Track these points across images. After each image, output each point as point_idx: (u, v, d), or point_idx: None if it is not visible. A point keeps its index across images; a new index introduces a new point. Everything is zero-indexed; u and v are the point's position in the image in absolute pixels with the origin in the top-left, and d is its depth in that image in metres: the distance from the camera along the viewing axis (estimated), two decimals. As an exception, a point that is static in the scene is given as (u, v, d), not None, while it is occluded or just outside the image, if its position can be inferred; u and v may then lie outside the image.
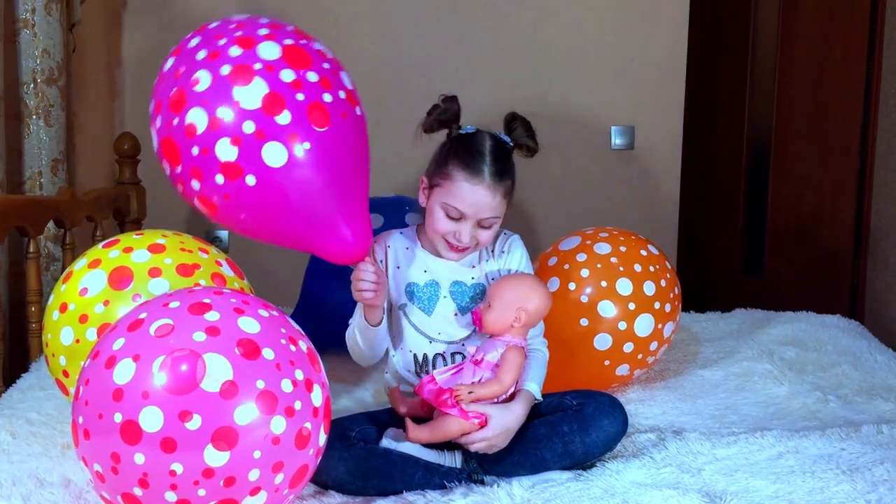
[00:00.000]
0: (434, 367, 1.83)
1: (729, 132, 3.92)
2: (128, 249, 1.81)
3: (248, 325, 1.37)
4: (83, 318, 1.74)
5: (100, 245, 1.88)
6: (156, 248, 1.82)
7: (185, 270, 1.79)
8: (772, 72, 3.72)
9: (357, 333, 1.80)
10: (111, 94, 3.30)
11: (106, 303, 1.74)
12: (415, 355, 1.84)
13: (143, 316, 1.36)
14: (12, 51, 2.50)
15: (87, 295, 1.75)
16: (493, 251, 1.89)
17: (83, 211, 2.48)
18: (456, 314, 1.83)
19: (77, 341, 1.73)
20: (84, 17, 2.82)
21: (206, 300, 1.39)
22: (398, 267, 1.85)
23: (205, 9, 3.29)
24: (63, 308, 1.77)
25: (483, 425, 1.66)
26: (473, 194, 1.73)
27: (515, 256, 1.90)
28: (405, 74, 3.34)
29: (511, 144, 1.79)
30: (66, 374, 1.77)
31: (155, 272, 1.77)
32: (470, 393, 1.66)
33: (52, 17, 2.54)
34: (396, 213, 2.30)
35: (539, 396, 1.78)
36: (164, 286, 1.74)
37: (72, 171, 2.68)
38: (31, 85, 2.53)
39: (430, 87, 3.36)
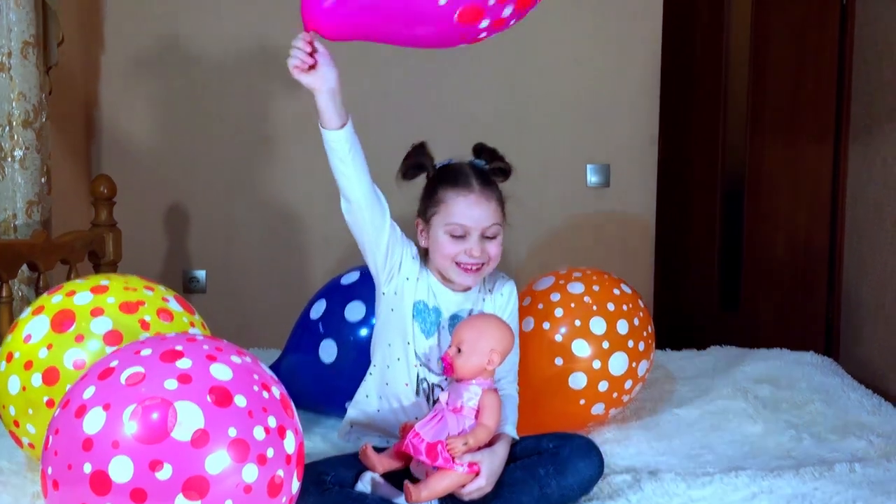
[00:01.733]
0: (417, 391, 1.85)
1: (703, 170, 3.96)
2: (70, 293, 1.81)
3: (221, 371, 1.37)
4: (28, 365, 1.72)
5: (45, 293, 1.87)
6: (99, 290, 1.81)
7: (129, 308, 1.78)
8: (744, 110, 3.78)
9: (328, 151, 1.72)
10: (88, 135, 3.31)
11: (49, 346, 1.72)
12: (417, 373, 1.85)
13: (114, 364, 1.35)
14: (-13, 94, 2.51)
15: (31, 341, 1.74)
16: (490, 290, 1.92)
17: (57, 254, 2.47)
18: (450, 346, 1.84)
19: (24, 388, 1.72)
20: (62, 59, 2.83)
21: (179, 347, 1.38)
22: (407, 279, 1.86)
23: (183, 54, 3.31)
24: (9, 358, 1.76)
25: (478, 473, 1.66)
26: (468, 205, 1.78)
27: (511, 303, 1.94)
28: (383, 116, 3.37)
29: (487, 168, 1.85)
30: (16, 424, 1.76)
31: (97, 311, 1.76)
32: (465, 444, 1.66)
33: (29, 61, 2.55)
34: (340, 296, 2.25)
35: (517, 437, 1.80)
36: (107, 325, 1.74)
37: (47, 213, 2.67)
38: (7, 128, 2.53)
39: (409, 127, 3.40)
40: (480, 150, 1.88)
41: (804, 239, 3.57)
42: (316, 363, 2.15)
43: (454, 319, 1.87)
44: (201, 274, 3.45)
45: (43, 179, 2.64)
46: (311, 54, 1.65)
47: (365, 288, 2.12)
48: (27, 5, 2.54)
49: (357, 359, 2.02)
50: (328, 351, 2.14)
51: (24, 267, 2.41)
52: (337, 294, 2.23)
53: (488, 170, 1.85)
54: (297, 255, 3.47)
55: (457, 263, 1.81)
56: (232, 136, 3.39)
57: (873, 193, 3.08)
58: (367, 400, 1.91)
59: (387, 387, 1.87)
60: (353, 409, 1.94)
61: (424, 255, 1.88)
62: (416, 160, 1.84)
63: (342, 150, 1.70)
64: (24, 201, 2.55)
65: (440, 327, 1.86)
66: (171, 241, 3.43)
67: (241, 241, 3.45)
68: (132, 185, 3.25)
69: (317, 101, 1.69)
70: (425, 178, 1.87)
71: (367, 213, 1.75)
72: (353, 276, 2.26)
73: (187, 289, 3.44)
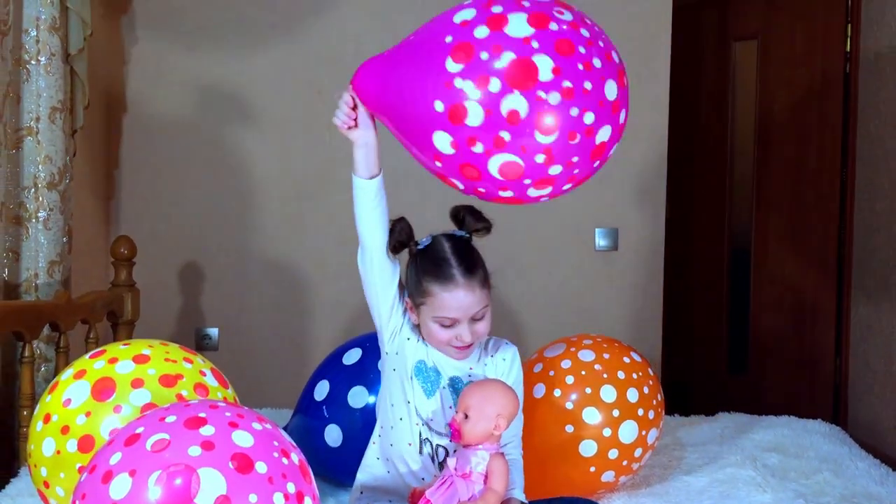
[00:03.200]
0: (420, 451, 1.86)
1: (710, 234, 4.02)
2: (113, 360, 1.84)
3: (242, 438, 1.41)
4: (65, 430, 1.76)
5: (87, 355, 1.91)
6: (140, 359, 1.84)
7: (168, 381, 1.81)
8: (750, 175, 3.85)
9: (355, 197, 1.83)
10: (108, 195, 3.39)
11: (88, 414, 1.76)
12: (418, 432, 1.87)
13: (139, 430, 1.39)
14: (15, 157, 2.57)
15: (70, 406, 1.77)
16: (492, 354, 1.94)
17: (78, 315, 2.51)
18: (451, 406, 1.86)
19: (58, 452, 1.75)
20: (86, 121, 2.90)
21: (202, 414, 1.43)
22: (408, 339, 1.88)
23: (201, 116, 3.40)
24: (47, 419, 1.79)
25: None
26: (455, 300, 1.79)
27: (514, 369, 1.95)
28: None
29: (467, 235, 1.87)
30: (46, 484, 1.79)
31: (137, 383, 1.79)
32: None
33: (56, 125, 2.63)
34: (343, 378, 2.23)
35: (526, 501, 1.82)
36: (146, 397, 1.77)
37: (67, 272, 2.72)
38: (32, 190, 2.59)
39: (413, 193, 3.44)
40: (459, 214, 1.88)
41: (811, 302, 3.61)
42: (323, 446, 2.15)
43: (454, 381, 1.89)
44: (214, 332, 3.50)
45: (64, 239, 2.69)
46: (353, 109, 1.80)
47: (367, 370, 2.15)
48: (56, 72, 2.63)
49: (363, 447, 2.01)
50: (333, 436, 2.14)
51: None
52: (340, 375, 2.21)
53: (468, 237, 1.86)
54: (308, 314, 3.52)
55: (449, 345, 1.84)
56: (247, 197, 3.46)
57: (879, 257, 3.13)
58: (376, 463, 1.94)
59: (391, 448, 1.89)
60: (362, 473, 1.96)
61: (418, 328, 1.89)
62: (398, 238, 1.84)
63: (367, 197, 1.81)
64: (47, 261, 2.61)
65: (441, 388, 1.88)
66: (185, 299, 3.48)
67: (253, 300, 3.49)
68: (148, 244, 3.31)
69: (354, 151, 1.82)
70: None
71: (378, 264, 1.82)
72: (354, 355, 2.23)
73: (200, 346, 3.47)
